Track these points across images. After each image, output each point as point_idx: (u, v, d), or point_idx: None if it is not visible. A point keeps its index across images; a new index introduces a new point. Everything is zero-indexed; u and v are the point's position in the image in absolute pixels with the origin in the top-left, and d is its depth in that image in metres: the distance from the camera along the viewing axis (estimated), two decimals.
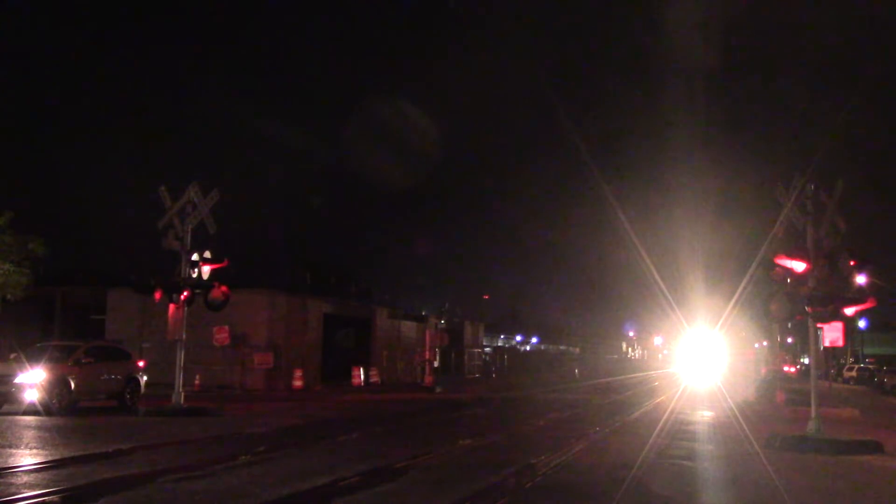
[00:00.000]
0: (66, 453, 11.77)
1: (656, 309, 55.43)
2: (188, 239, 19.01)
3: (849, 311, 14.65)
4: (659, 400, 28.79)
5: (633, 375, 59.54)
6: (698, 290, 49.79)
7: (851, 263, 14.60)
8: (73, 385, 18.75)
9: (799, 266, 14.43)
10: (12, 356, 19.80)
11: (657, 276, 46.69)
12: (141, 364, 21.73)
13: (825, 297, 14.32)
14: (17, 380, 17.93)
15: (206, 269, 19.00)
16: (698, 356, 54.37)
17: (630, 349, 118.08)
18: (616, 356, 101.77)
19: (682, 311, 53.52)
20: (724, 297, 38.65)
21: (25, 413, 17.88)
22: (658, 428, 17.42)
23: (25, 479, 9.75)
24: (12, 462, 10.98)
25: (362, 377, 35.93)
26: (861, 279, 15.35)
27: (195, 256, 18.95)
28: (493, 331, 67.30)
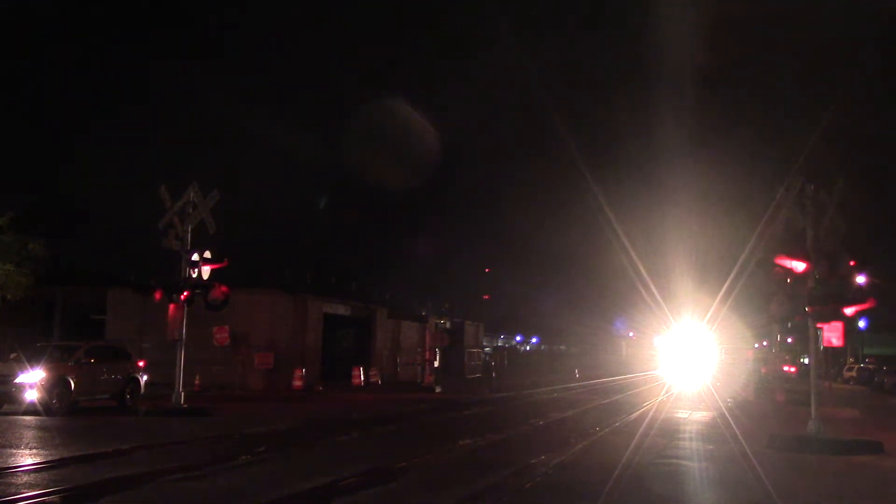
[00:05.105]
0: (66, 453, 11.78)
1: (654, 309, 55.35)
2: (188, 239, 19.03)
3: (849, 311, 14.66)
4: (659, 400, 28.77)
5: (632, 376, 59.44)
6: (691, 290, 49.81)
7: (851, 263, 14.61)
8: (73, 385, 18.75)
9: (800, 266, 14.43)
10: (12, 356, 19.80)
11: (647, 278, 46.81)
12: (141, 364, 21.72)
13: (825, 297, 14.33)
14: (18, 380, 17.94)
15: (206, 269, 19.02)
16: (692, 356, 54.24)
17: (630, 349, 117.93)
18: (616, 356, 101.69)
19: (673, 313, 53.62)
20: (715, 297, 38.73)
21: (25, 413, 17.90)
22: (658, 428, 17.44)
23: (25, 479, 9.76)
24: (12, 462, 10.99)
25: (362, 377, 35.86)
26: (861, 279, 15.37)
27: (195, 256, 18.96)
28: (493, 331, 67.18)
